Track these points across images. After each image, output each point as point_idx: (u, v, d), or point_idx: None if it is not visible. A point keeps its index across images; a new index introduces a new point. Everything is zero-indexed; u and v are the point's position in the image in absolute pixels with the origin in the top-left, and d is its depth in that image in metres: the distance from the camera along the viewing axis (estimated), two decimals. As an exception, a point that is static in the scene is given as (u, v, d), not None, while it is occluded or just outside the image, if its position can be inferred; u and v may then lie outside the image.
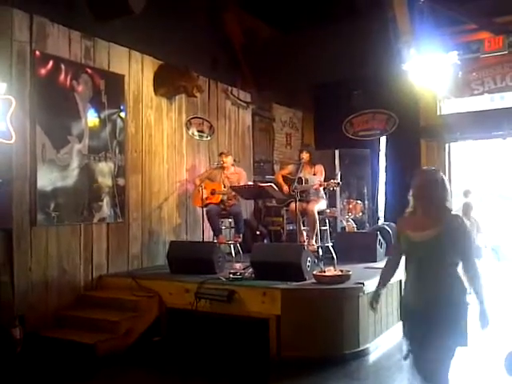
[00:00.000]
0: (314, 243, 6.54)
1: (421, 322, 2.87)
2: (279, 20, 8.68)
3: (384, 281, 3.26)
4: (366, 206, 9.22)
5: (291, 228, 7.35)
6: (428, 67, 6.65)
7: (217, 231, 6.96)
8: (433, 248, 2.84)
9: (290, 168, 7.14)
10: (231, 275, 5.50)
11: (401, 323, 3.14)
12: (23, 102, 5.28)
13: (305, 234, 6.71)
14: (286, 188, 6.82)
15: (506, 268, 8.97)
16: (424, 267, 2.88)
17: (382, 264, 6.56)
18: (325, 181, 6.67)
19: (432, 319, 2.82)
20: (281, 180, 7.02)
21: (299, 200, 6.45)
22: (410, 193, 2.98)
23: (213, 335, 5.41)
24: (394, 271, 3.24)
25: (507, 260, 9.35)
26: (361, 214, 9.05)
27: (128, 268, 6.46)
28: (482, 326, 2.87)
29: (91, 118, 6.09)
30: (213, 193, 6.94)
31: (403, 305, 3.11)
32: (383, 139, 9.21)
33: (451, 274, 2.87)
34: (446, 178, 2.98)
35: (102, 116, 6.22)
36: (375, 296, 3.25)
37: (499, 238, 9.72)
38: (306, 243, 6.45)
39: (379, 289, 3.24)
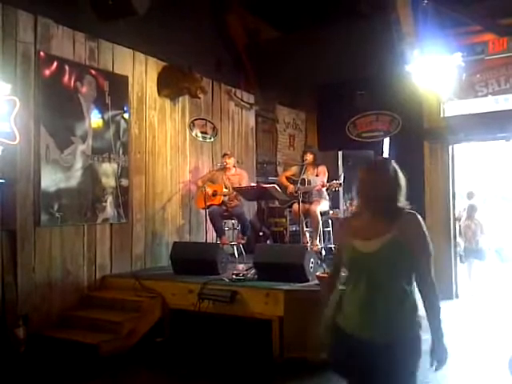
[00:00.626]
0: (317, 243, 6.54)
1: (361, 358, 2.24)
2: (283, 21, 8.68)
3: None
4: (369, 207, 9.20)
5: (294, 229, 7.35)
6: (432, 69, 6.64)
7: (220, 232, 6.97)
8: (386, 261, 2.24)
9: (294, 169, 7.15)
10: (234, 276, 5.50)
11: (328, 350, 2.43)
12: (27, 102, 5.30)
13: (308, 234, 6.72)
14: (290, 187, 6.82)
15: (510, 270, 8.96)
16: (373, 287, 2.24)
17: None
18: (327, 182, 6.67)
19: (379, 357, 2.20)
20: (285, 181, 7.02)
21: (302, 201, 6.46)
22: (355, 190, 2.44)
23: (216, 336, 5.42)
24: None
25: (510, 262, 9.33)
26: (364, 215, 9.03)
27: (131, 269, 6.46)
28: (438, 363, 2.23)
29: (95, 119, 6.10)
30: (214, 194, 6.95)
31: (333, 329, 2.39)
32: (386, 140, 9.20)
33: (409, 298, 2.25)
34: (399, 171, 2.37)
35: (106, 117, 6.24)
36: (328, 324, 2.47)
37: (502, 240, 9.71)
38: (309, 244, 6.45)
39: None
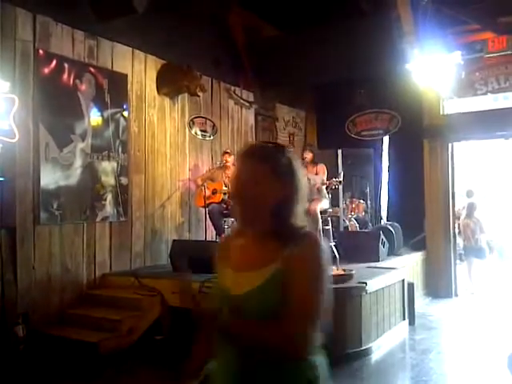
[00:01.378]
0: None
1: None
2: (282, 19, 8.66)
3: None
4: (369, 205, 9.22)
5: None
6: (431, 67, 6.65)
7: (219, 230, 6.96)
8: (263, 311, 1.43)
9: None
10: (234, 274, 5.50)
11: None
12: (26, 100, 5.30)
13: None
14: None
15: (509, 267, 8.97)
16: (243, 351, 1.45)
17: (384, 264, 6.57)
18: (327, 180, 6.68)
19: None
20: None
21: (301, 199, 6.44)
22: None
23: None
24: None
25: (510, 259, 9.35)
26: (363, 213, 9.05)
27: (131, 267, 6.46)
28: None
29: (94, 117, 6.10)
30: (214, 192, 6.95)
31: None
32: (386, 139, 9.20)
33: (301, 368, 1.45)
34: (297, 165, 1.52)
35: (105, 115, 6.23)
36: None
37: (502, 238, 9.73)
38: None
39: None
